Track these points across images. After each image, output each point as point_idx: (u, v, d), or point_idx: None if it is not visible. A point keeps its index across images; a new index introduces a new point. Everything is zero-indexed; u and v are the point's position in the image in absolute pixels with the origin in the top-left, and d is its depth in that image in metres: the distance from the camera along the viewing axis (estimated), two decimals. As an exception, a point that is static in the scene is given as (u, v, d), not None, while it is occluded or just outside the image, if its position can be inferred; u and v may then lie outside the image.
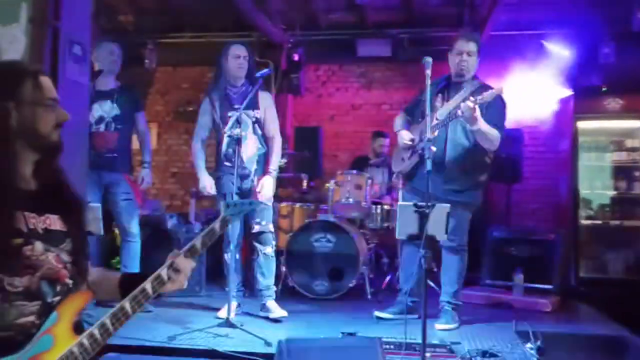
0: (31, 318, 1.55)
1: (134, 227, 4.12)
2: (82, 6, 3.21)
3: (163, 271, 1.66)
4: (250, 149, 3.82)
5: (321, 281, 4.63)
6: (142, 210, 5.12)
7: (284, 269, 4.62)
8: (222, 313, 3.72)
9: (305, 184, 5.56)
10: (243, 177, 3.78)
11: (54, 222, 1.66)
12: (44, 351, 1.52)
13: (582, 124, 5.78)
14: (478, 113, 3.33)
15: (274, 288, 3.96)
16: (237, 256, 3.93)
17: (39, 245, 1.59)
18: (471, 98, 3.33)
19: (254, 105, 3.85)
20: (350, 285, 4.61)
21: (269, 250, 3.90)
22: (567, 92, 6.07)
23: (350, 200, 4.88)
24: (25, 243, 1.57)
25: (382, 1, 6.37)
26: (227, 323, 3.43)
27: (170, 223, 5.03)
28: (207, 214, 6.07)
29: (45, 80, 1.69)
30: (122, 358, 2.96)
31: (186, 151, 7.79)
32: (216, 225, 1.75)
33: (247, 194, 3.85)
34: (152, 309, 3.88)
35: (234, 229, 3.83)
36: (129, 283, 1.72)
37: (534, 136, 6.60)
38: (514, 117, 5.76)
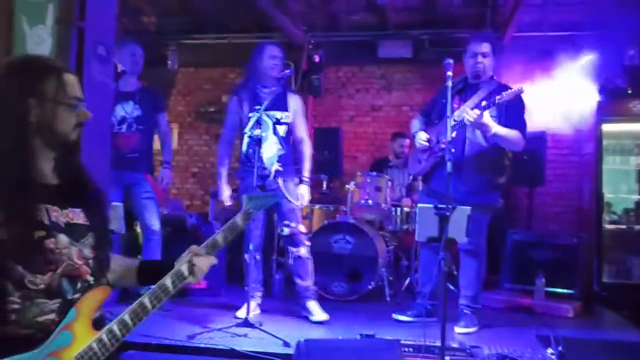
0: (51, 316, 1.55)
1: (156, 225, 4.16)
2: (106, 7, 3.25)
3: (183, 266, 1.65)
4: (270, 149, 3.83)
5: (340, 282, 4.62)
6: (163, 210, 5.17)
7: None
8: (241, 313, 3.74)
9: (324, 185, 5.57)
10: (262, 177, 3.80)
11: (77, 216, 1.66)
12: (63, 347, 1.51)
13: (606, 127, 5.69)
14: (487, 119, 3.29)
15: (314, 288, 3.96)
16: (258, 257, 3.94)
17: (63, 238, 1.59)
18: (476, 110, 3.29)
19: (282, 106, 3.86)
20: (369, 287, 4.60)
21: (303, 251, 3.89)
22: (592, 95, 5.98)
23: (370, 202, 4.87)
24: (47, 236, 1.56)
25: (403, 2, 6.34)
26: (246, 323, 3.45)
27: (190, 222, 5.07)
28: (227, 214, 6.10)
29: (70, 79, 1.67)
30: (142, 356, 2.99)
31: (206, 151, 7.86)
32: (238, 219, 1.75)
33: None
34: (171, 308, 3.92)
35: (255, 230, 3.86)
36: (146, 270, 1.78)
37: (557, 139, 6.51)
38: (536, 119, 5.71)
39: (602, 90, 5.83)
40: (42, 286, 1.54)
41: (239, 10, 6.49)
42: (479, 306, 3.75)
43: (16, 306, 1.51)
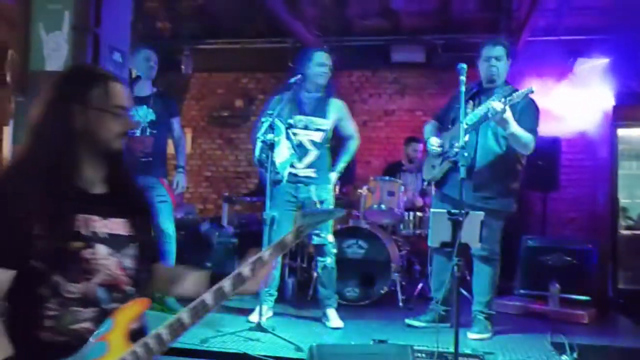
0: (86, 324, 1.55)
1: (170, 229, 4.17)
2: (122, 13, 3.29)
3: (226, 283, 1.60)
4: (282, 154, 3.83)
5: (352, 287, 4.62)
6: (176, 214, 5.20)
7: (315, 274, 4.62)
8: (254, 317, 3.74)
9: (337, 189, 5.57)
10: (275, 182, 3.80)
11: (119, 226, 1.66)
12: (98, 357, 1.49)
13: (622, 132, 5.64)
14: (509, 115, 3.28)
15: (336, 297, 3.97)
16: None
17: (101, 249, 1.59)
18: (501, 99, 3.28)
19: (322, 113, 3.89)
20: (382, 291, 4.59)
21: (329, 261, 3.90)
22: (607, 99, 5.93)
23: (383, 206, 4.87)
24: (85, 246, 1.56)
25: (417, 7, 6.34)
26: (259, 327, 3.45)
27: (203, 227, 5.09)
28: (240, 218, 6.13)
29: (116, 87, 1.67)
30: None
31: (220, 156, 7.90)
32: (288, 236, 1.68)
33: (303, 205, 3.86)
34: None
35: (279, 234, 3.87)
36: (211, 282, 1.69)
37: (571, 143, 6.46)
38: (551, 124, 5.67)
39: (617, 95, 5.78)
40: (77, 295, 1.54)
41: (253, 16, 6.53)
42: (493, 312, 3.72)
43: (52, 313, 1.52)
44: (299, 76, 3.84)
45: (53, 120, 1.60)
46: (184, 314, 1.55)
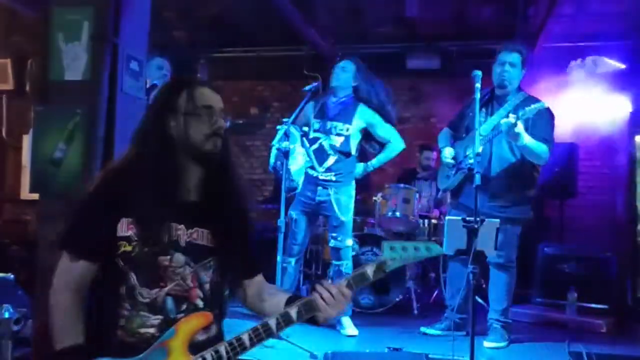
0: (152, 330, 1.60)
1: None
2: (140, 23, 3.33)
3: (292, 310, 1.60)
4: (297, 161, 3.85)
5: (367, 295, 4.61)
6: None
7: (329, 281, 4.61)
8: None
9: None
10: (290, 189, 3.82)
11: (202, 237, 1.68)
12: None
13: (639, 139, 5.58)
14: (521, 128, 3.25)
15: (350, 304, 3.96)
16: (295, 265, 3.98)
17: (179, 257, 1.63)
18: (512, 115, 3.26)
19: (346, 119, 3.90)
20: (397, 299, 4.57)
21: (345, 265, 3.90)
22: (624, 105, 5.88)
23: (398, 214, 4.86)
24: (162, 253, 1.61)
25: (432, 14, 6.34)
26: (273, 334, 3.45)
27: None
28: (255, 225, 6.13)
29: (202, 91, 1.73)
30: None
31: (235, 163, 7.93)
32: (369, 270, 1.63)
33: (319, 207, 3.88)
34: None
35: (299, 237, 3.91)
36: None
37: (589, 150, 6.40)
38: (568, 130, 5.63)
39: (634, 101, 5.73)
40: (147, 300, 1.60)
41: (268, 24, 6.57)
42: (509, 320, 3.69)
43: (126, 312, 1.60)
44: (315, 84, 3.87)
45: (151, 129, 1.69)
46: (245, 335, 1.58)
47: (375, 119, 3.99)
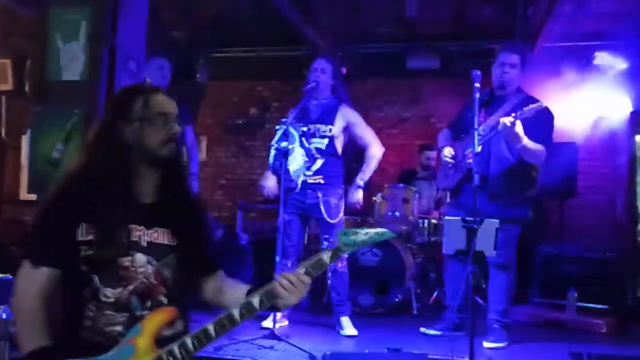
0: (118, 328, 1.65)
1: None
2: (137, 23, 3.33)
3: (255, 300, 1.65)
4: (297, 161, 3.85)
5: (367, 295, 4.60)
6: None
7: (329, 282, 4.62)
8: (267, 323, 3.75)
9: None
10: (289, 189, 3.81)
11: (162, 236, 1.73)
12: (124, 359, 1.59)
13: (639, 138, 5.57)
14: (519, 129, 3.25)
15: (349, 304, 3.96)
16: (292, 267, 3.97)
17: (140, 258, 1.68)
18: (512, 114, 3.25)
19: (329, 120, 3.88)
20: (396, 299, 4.57)
21: (340, 265, 3.91)
22: (625, 105, 5.87)
23: (397, 214, 4.85)
24: (123, 254, 1.66)
25: (432, 14, 6.33)
26: (272, 335, 3.45)
27: (218, 234, 5.10)
28: (254, 226, 6.14)
29: (156, 98, 1.77)
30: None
31: (234, 163, 7.94)
32: (325, 255, 1.66)
33: (310, 209, 3.88)
34: (198, 319, 3.93)
35: (294, 239, 3.91)
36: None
37: (589, 150, 6.39)
38: (568, 130, 5.62)
39: (635, 101, 5.72)
40: (112, 299, 1.64)
41: (268, 24, 6.56)
42: (509, 321, 3.68)
43: (91, 313, 1.65)
44: (314, 84, 3.86)
45: (104, 136, 1.73)
46: (210, 326, 1.62)
47: (356, 119, 3.98)
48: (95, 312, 1.64)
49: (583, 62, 5.94)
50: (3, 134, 7.23)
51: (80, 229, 1.65)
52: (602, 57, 5.91)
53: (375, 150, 4.01)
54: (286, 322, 3.95)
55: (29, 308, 1.66)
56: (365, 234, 1.64)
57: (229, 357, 3.14)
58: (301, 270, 1.67)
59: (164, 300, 1.71)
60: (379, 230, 1.67)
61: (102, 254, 1.63)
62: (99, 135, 1.75)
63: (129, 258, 1.66)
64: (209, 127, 7.97)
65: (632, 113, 5.66)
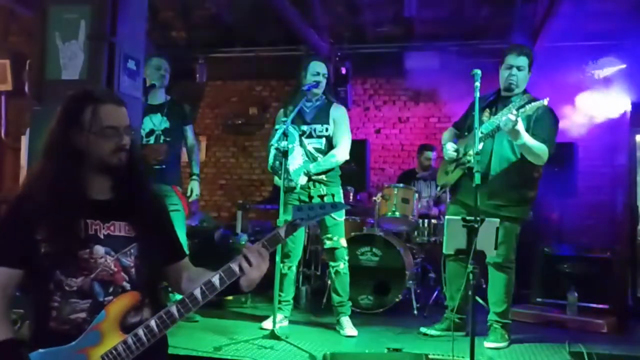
0: (82, 315, 1.71)
1: (182, 238, 4.18)
2: (137, 22, 3.32)
3: (215, 278, 1.72)
4: (296, 161, 3.84)
5: (367, 295, 4.59)
6: (190, 222, 5.20)
7: (329, 282, 4.61)
8: (267, 324, 3.74)
9: (351, 197, 5.56)
10: (289, 189, 3.80)
11: (119, 229, 1.80)
12: (91, 345, 1.66)
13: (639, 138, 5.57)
14: (520, 127, 3.24)
15: (350, 305, 3.95)
16: (294, 269, 3.96)
17: (99, 249, 1.75)
18: (514, 111, 3.25)
19: (324, 120, 3.88)
20: (396, 300, 4.56)
21: (342, 266, 3.89)
22: (625, 105, 5.86)
23: (397, 214, 4.84)
24: (82, 247, 1.73)
25: (431, 13, 6.33)
26: (272, 335, 3.44)
27: (217, 234, 5.10)
28: (254, 225, 6.13)
29: (105, 109, 1.79)
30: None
31: (234, 164, 7.93)
32: (281, 230, 1.76)
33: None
34: (199, 319, 3.94)
35: (298, 240, 3.89)
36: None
37: (589, 150, 6.39)
38: (568, 130, 5.62)
39: (634, 100, 5.72)
40: (75, 288, 1.71)
41: (267, 24, 6.56)
42: (509, 321, 3.67)
43: (56, 304, 1.71)
44: (314, 83, 3.85)
45: (56, 141, 1.78)
46: (173, 307, 1.70)
47: (340, 118, 3.94)
48: (60, 302, 1.71)
49: (583, 62, 5.93)
50: (2, 135, 7.22)
51: (38, 228, 1.72)
52: (602, 57, 5.91)
53: (340, 153, 3.88)
54: (286, 323, 3.94)
55: None
56: (321, 207, 1.75)
57: (228, 357, 3.13)
58: (259, 244, 1.76)
59: (127, 286, 1.77)
60: (335, 202, 1.78)
61: (60, 248, 1.70)
62: (50, 140, 1.80)
63: (87, 250, 1.73)
64: (208, 127, 7.96)
65: (632, 113, 5.66)
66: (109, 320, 1.68)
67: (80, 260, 1.72)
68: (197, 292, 1.70)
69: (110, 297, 1.73)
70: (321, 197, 3.82)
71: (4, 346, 1.67)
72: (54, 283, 1.72)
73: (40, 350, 1.65)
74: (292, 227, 1.74)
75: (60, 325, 1.71)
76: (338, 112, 3.95)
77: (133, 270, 1.79)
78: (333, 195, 3.83)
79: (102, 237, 1.77)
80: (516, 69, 3.59)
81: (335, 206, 1.76)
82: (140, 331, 1.67)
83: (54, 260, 1.71)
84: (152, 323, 1.68)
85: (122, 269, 1.77)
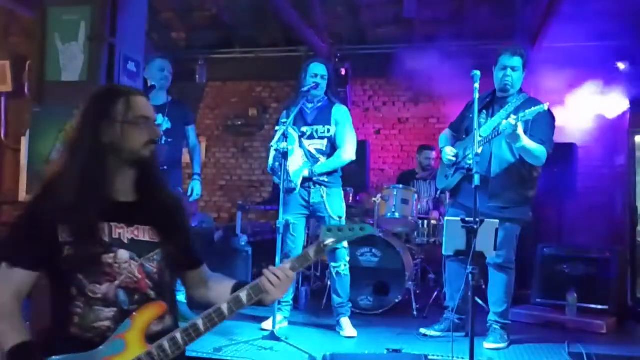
0: (107, 323, 1.67)
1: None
2: (137, 24, 3.32)
3: (243, 294, 1.70)
4: (296, 162, 3.84)
5: (366, 296, 4.59)
6: (190, 223, 5.18)
7: (329, 283, 4.61)
8: (267, 325, 3.74)
9: (351, 197, 5.56)
10: (288, 190, 3.80)
11: (143, 233, 1.76)
12: (115, 354, 1.62)
13: (639, 139, 5.57)
14: (520, 130, 3.24)
15: (349, 305, 3.95)
16: None
17: (123, 254, 1.71)
18: (512, 115, 3.25)
19: (326, 121, 3.88)
20: (396, 300, 4.56)
21: (343, 267, 3.89)
22: (624, 106, 5.87)
23: (397, 214, 4.84)
24: (106, 251, 1.68)
25: (431, 14, 6.33)
26: (272, 336, 3.44)
27: (217, 235, 5.09)
28: (254, 226, 6.13)
29: (137, 100, 1.79)
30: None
31: (234, 164, 7.93)
32: (310, 251, 1.75)
33: (314, 209, 3.87)
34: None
35: (298, 241, 3.89)
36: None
37: (588, 151, 6.39)
38: (567, 130, 5.62)
39: (633, 101, 5.72)
40: (99, 295, 1.67)
41: (266, 25, 6.57)
42: (509, 321, 3.68)
43: (79, 310, 1.67)
44: (313, 84, 3.85)
45: (84, 137, 1.74)
46: (199, 320, 1.66)
47: (344, 119, 3.94)
48: (84, 308, 1.66)
49: (583, 62, 5.94)
50: (2, 136, 7.23)
51: (61, 229, 1.67)
52: (601, 57, 5.91)
53: (346, 154, 3.88)
54: (286, 324, 3.94)
55: (4, 308, 1.67)
56: (350, 229, 1.73)
57: (228, 358, 3.14)
58: (287, 265, 1.74)
59: (152, 293, 1.74)
60: (362, 225, 1.77)
61: (84, 252, 1.66)
62: (80, 134, 1.76)
63: (112, 255, 1.69)
64: (208, 128, 7.97)
65: (632, 113, 5.66)
66: (134, 329, 1.65)
67: (104, 265, 1.68)
68: (225, 308, 1.68)
69: (135, 306, 1.69)
70: (317, 204, 3.83)
71: (20, 349, 1.63)
72: (75, 288, 1.67)
73: (61, 356, 1.61)
74: (321, 248, 1.73)
75: (82, 332, 1.66)
76: (340, 113, 3.95)
77: (156, 276, 1.75)
78: (332, 202, 3.83)
79: (126, 241, 1.72)
80: (510, 70, 3.60)
81: (363, 229, 1.74)
82: (166, 343, 1.64)
83: (77, 264, 1.67)
84: (178, 336, 1.65)
85: (146, 275, 1.73)
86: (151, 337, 1.66)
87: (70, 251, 1.66)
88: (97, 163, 1.72)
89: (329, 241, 1.72)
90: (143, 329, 1.65)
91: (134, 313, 1.67)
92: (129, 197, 1.80)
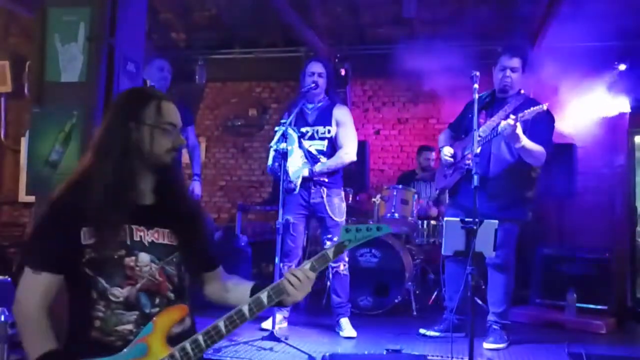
0: (129, 326, 1.66)
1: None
2: (136, 24, 3.32)
3: (263, 295, 1.70)
4: (295, 163, 3.84)
5: (366, 296, 4.59)
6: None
7: (328, 283, 4.61)
8: (266, 325, 3.74)
9: (351, 198, 5.56)
10: (288, 190, 3.81)
11: (163, 236, 1.76)
12: (138, 357, 1.61)
13: (639, 139, 5.57)
14: (519, 131, 3.24)
15: (349, 306, 3.95)
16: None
17: (144, 257, 1.70)
18: (512, 116, 3.25)
19: (326, 121, 3.88)
20: (396, 301, 4.56)
21: (342, 267, 3.90)
22: (623, 106, 5.87)
23: (396, 215, 4.85)
24: (127, 254, 1.67)
25: (430, 14, 6.33)
26: (272, 336, 3.45)
27: (217, 236, 5.10)
28: (254, 227, 6.14)
29: (167, 106, 1.80)
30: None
31: (233, 165, 7.93)
32: (329, 251, 1.75)
33: (314, 209, 3.87)
34: (198, 321, 3.94)
35: (298, 241, 3.89)
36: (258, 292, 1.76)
37: (588, 151, 6.39)
38: (567, 131, 5.62)
39: (633, 102, 5.72)
40: (121, 298, 1.66)
41: (266, 25, 6.57)
42: (508, 322, 3.68)
43: (100, 314, 1.65)
44: (313, 85, 3.85)
45: (115, 137, 1.72)
46: (220, 322, 1.66)
47: (345, 119, 3.93)
48: (105, 312, 1.65)
49: (583, 62, 5.93)
50: (2, 136, 7.23)
51: (83, 232, 1.66)
52: (601, 57, 5.91)
53: (347, 154, 3.87)
54: (285, 324, 3.94)
55: (32, 315, 1.66)
56: (367, 229, 1.74)
57: (228, 358, 3.14)
58: (307, 266, 1.74)
59: (172, 296, 1.73)
60: (379, 225, 1.79)
61: (106, 255, 1.64)
62: (110, 134, 1.74)
63: (133, 258, 1.68)
64: (208, 129, 7.97)
65: (632, 114, 5.66)
66: (156, 333, 1.64)
67: (125, 268, 1.66)
68: (246, 309, 1.67)
69: (157, 309, 1.68)
70: (317, 204, 3.84)
71: (46, 359, 1.61)
72: (96, 291, 1.65)
73: None
74: (340, 249, 1.74)
75: (104, 336, 1.64)
76: (341, 113, 3.95)
77: (176, 279, 1.75)
78: (332, 201, 3.83)
79: (146, 244, 1.71)
80: (510, 70, 3.60)
81: (380, 229, 1.76)
82: (188, 346, 1.63)
83: (98, 267, 1.65)
84: (200, 338, 1.64)
85: (167, 277, 1.72)
86: (172, 340, 1.65)
87: (92, 254, 1.65)
88: (128, 164, 1.72)
89: (348, 242, 1.74)
90: (165, 332, 1.64)
91: (155, 317, 1.66)
92: (148, 199, 1.79)
